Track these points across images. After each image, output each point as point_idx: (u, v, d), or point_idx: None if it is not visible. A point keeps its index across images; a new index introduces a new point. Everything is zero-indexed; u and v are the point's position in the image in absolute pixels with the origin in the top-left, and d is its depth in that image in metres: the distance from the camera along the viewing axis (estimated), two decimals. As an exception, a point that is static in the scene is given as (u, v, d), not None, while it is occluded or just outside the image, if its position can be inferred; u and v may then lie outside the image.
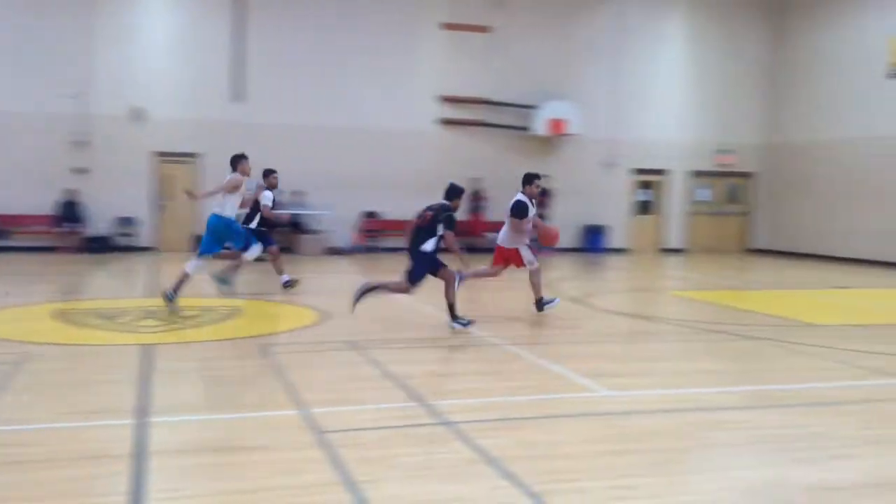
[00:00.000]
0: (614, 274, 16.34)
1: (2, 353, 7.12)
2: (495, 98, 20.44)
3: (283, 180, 19.05)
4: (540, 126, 20.38)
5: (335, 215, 18.86)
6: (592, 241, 21.06)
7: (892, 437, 5.15)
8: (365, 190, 19.71)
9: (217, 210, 9.82)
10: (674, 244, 22.45)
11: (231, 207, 9.90)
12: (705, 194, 22.70)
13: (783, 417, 5.66)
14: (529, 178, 10.08)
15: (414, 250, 8.87)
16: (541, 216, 11.84)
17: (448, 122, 20.35)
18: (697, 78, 22.17)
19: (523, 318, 10.31)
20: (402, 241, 19.65)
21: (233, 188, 9.81)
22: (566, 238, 19.45)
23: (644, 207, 22.44)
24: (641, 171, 22.05)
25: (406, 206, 19.74)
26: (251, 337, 8.28)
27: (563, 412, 5.58)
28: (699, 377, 7.02)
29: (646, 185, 22.39)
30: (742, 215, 22.98)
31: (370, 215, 20.10)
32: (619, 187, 21.74)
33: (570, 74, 21.02)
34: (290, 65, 19.00)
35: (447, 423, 5.16)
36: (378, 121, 19.74)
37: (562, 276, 15.19)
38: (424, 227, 8.84)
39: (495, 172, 20.35)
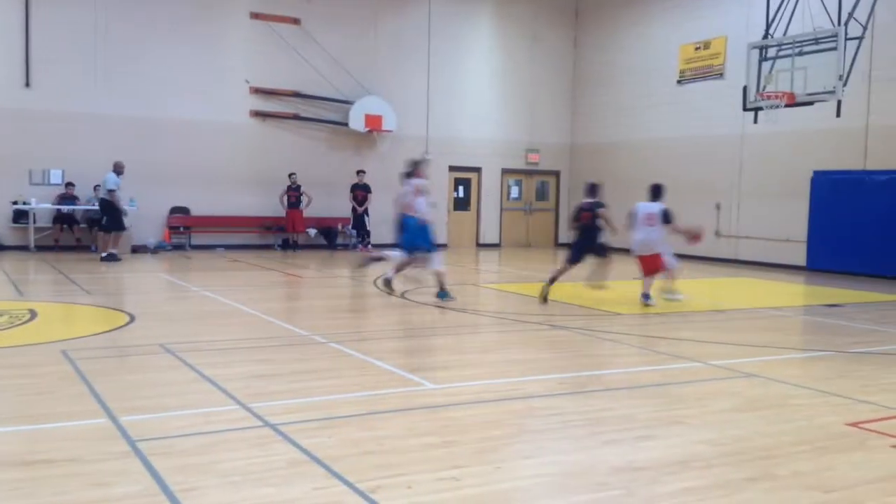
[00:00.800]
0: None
1: None
2: (310, 92, 20.20)
3: (83, 173, 17.96)
4: (356, 121, 20.38)
5: (139, 211, 17.89)
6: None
7: (689, 416, 5.59)
8: (174, 184, 18.86)
9: None
10: (489, 239, 23.23)
11: None
12: (516, 191, 23.68)
13: (593, 402, 6.00)
14: (658, 190, 11.49)
15: (593, 245, 11.22)
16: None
17: (261, 115, 19.88)
18: (505, 79, 23.05)
19: (346, 314, 10.28)
20: (214, 239, 19.10)
21: None
22: (383, 235, 19.60)
23: (461, 204, 23.05)
24: (457, 169, 22.61)
25: (219, 202, 19.28)
26: (53, 342, 7.67)
27: (389, 408, 5.60)
28: (516, 367, 7.30)
29: (462, 182, 23.01)
30: (550, 211, 24.16)
31: (179, 211, 19.25)
32: (437, 184, 22.17)
33: (383, 70, 21.17)
34: (83, 51, 17.85)
35: (269, 426, 5.03)
36: (187, 111, 18.94)
37: (380, 272, 15.26)
38: (590, 224, 11.13)
39: (314, 167, 20.16)
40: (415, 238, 10.88)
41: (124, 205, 16.44)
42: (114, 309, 9.86)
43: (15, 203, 17.46)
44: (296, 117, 20.19)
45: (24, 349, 7.42)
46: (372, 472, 4.24)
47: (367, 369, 6.92)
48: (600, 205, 11.32)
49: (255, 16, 19.62)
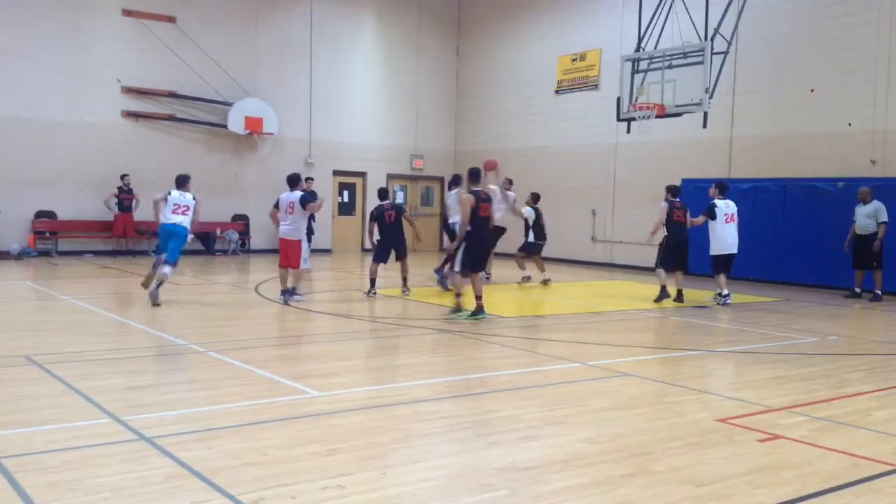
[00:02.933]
0: (315, 274, 16.37)
1: None
2: (187, 92, 19.57)
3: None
4: (236, 124, 19.90)
5: (1, 215, 16.84)
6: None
7: (569, 416, 5.73)
8: (39, 187, 17.86)
9: None
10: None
11: None
12: (401, 196, 23.71)
13: (477, 404, 6.06)
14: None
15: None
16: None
17: (134, 116, 19.09)
18: (390, 85, 23.07)
19: (226, 322, 9.99)
20: (82, 244, 18.12)
21: None
22: (262, 241, 19.20)
23: (346, 208, 22.87)
24: (342, 173, 22.42)
25: (88, 206, 18.33)
26: None
27: (271, 417, 5.46)
28: (400, 371, 7.28)
29: (347, 187, 22.84)
30: (435, 216, 24.32)
31: (45, 215, 18.22)
32: (321, 188, 21.93)
33: (263, 72, 20.77)
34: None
35: (144, 439, 4.81)
36: (52, 111, 17.96)
37: (262, 278, 14.94)
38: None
39: (191, 169, 19.48)
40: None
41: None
42: (-29, 319, 9.20)
43: None
44: (171, 118, 19.50)
45: None
46: (254, 483, 4.12)
47: (247, 378, 6.74)
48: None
49: (128, 13, 18.84)
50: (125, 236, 18.54)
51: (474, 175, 10.42)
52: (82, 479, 4.12)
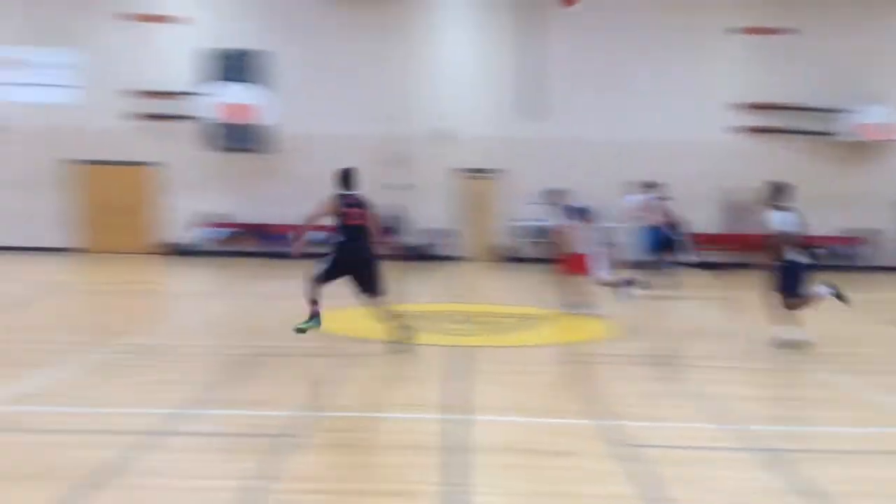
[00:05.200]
0: None
1: (339, 347, 8.08)
2: (794, 103, 19.06)
3: (579, 196, 19.24)
4: (852, 131, 18.64)
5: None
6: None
7: None
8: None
9: None
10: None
11: None
12: None
13: None
14: None
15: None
16: None
17: (745, 130, 19.35)
18: None
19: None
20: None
21: None
22: None
23: None
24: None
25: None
26: (559, 345, 8.56)
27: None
28: None
29: None
30: None
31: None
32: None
33: (885, 75, 18.98)
34: (582, 80, 19.22)
35: (767, 450, 4.95)
36: (668, 132, 19.25)
37: None
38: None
39: (796, 181, 18.86)
40: None
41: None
42: (611, 319, 10.38)
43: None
44: (779, 130, 19.23)
45: (534, 350, 8.42)
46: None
47: (865, 403, 6.35)
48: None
49: (746, 30, 19.18)
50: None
51: None
52: (708, 479, 4.45)
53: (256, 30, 18.41)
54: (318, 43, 19.03)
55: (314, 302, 8.00)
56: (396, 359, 7.74)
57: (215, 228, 19.01)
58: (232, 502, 4.02)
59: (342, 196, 8.11)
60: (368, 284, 8.05)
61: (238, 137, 18.80)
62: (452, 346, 8.25)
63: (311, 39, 18.99)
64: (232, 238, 19.16)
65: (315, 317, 7.96)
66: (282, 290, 13.24)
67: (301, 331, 7.96)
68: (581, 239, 10.36)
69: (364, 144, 19.02)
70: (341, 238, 8.05)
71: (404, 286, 14.58)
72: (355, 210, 8.09)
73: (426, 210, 19.13)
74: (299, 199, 19.03)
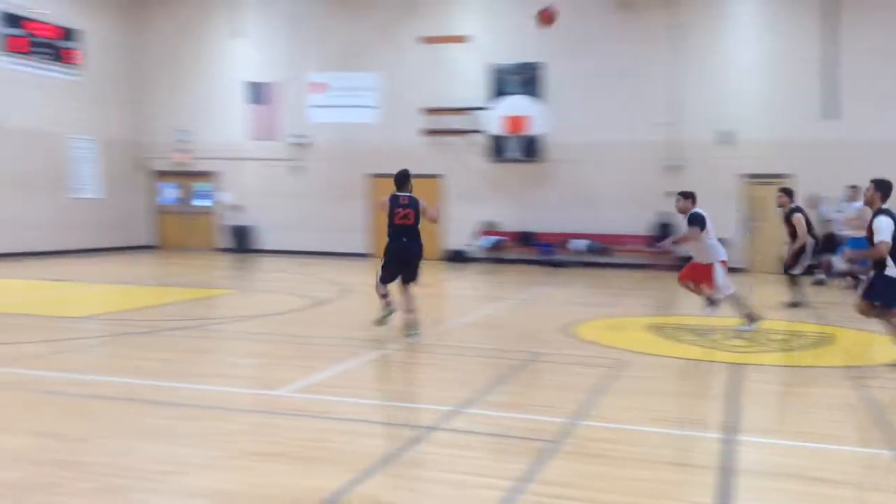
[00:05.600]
0: None
1: (602, 357, 8.03)
2: None
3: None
4: None
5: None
6: None
7: None
8: None
9: None
10: None
11: None
12: None
13: None
14: None
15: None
16: None
17: None
18: None
19: None
20: None
21: None
22: None
23: None
24: None
25: None
26: (842, 367, 7.79)
27: None
28: None
29: None
30: None
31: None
32: None
33: None
34: (887, 78, 17.27)
35: None
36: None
37: None
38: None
39: None
40: None
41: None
42: None
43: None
44: None
45: (814, 370, 7.75)
46: None
47: None
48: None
49: None
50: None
51: None
52: None
53: (533, 42, 18.85)
54: (593, 50, 19.09)
55: (383, 295, 8.90)
56: (671, 373, 7.54)
57: (489, 236, 19.81)
58: (495, 501, 4.15)
59: None
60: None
61: (514, 148, 19.42)
62: (729, 363, 7.83)
63: (585, 47, 19.11)
64: (501, 245, 19.84)
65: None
66: (553, 297, 13.49)
67: None
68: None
69: (640, 151, 18.74)
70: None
71: (676, 296, 14.11)
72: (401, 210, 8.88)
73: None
74: (568, 207, 19.48)
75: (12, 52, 19.15)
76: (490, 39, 19.81)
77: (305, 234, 21.45)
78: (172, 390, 6.56)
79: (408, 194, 8.98)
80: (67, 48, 20.53)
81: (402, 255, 8.89)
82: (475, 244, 19.96)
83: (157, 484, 4.35)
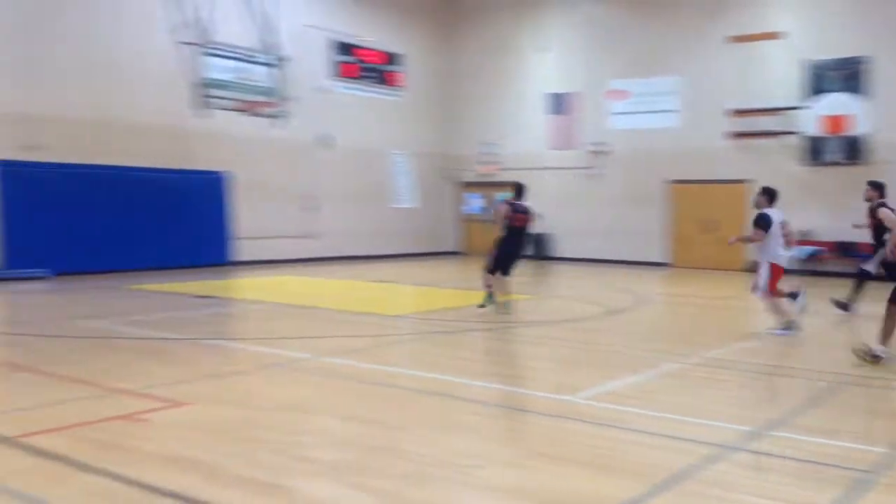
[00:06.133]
0: None
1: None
2: None
3: None
4: None
5: None
6: None
7: None
8: None
9: None
10: None
11: None
12: None
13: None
14: None
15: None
16: None
17: None
18: None
19: None
20: None
21: None
22: None
23: None
24: None
25: None
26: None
27: None
28: None
29: None
30: None
31: None
32: None
33: None
34: None
35: None
36: None
37: None
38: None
39: None
40: None
41: None
42: None
43: None
44: None
45: None
46: None
47: None
48: None
49: None
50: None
51: None
52: None
53: (857, 35, 17.24)
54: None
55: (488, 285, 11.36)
56: None
57: (804, 246, 18.31)
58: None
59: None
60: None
61: (833, 149, 17.87)
62: None
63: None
64: (818, 256, 18.25)
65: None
66: (877, 314, 12.15)
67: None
68: None
69: None
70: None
71: None
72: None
73: None
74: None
75: (345, 77, 21.53)
76: (806, 34, 18.42)
77: (600, 241, 21.52)
78: (476, 388, 6.99)
79: (525, 203, 11.37)
80: (391, 71, 22.63)
81: (516, 253, 11.32)
82: (787, 255, 18.62)
83: (463, 476, 4.69)
